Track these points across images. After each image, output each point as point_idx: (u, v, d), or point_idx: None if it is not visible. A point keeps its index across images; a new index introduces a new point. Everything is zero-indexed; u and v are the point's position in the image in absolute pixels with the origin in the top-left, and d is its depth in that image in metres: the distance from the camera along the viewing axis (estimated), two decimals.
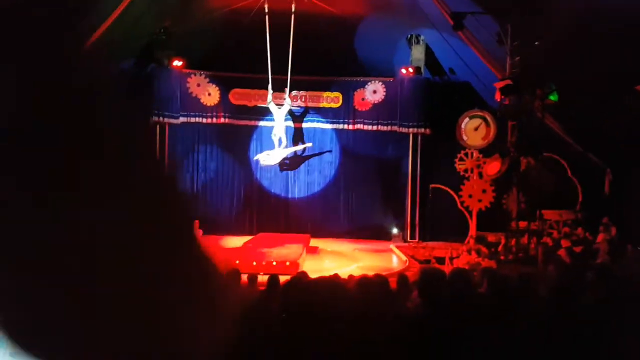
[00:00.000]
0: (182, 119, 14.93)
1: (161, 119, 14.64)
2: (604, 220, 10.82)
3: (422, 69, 14.79)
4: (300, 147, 14.92)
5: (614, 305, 3.14)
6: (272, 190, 15.40)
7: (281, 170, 15.19)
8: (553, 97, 8.68)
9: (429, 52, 14.79)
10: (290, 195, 15.44)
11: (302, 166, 15.41)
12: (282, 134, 14.37)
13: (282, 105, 14.33)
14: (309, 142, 15.18)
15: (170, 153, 15.04)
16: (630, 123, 9.94)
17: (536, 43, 8.37)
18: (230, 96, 15.00)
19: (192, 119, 15.04)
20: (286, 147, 14.55)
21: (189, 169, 15.27)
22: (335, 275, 5.56)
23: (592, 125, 11.15)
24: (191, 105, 14.94)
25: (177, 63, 14.68)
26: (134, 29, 12.89)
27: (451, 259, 11.34)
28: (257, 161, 14.85)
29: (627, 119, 9.87)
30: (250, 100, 15.00)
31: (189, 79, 14.87)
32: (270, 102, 14.21)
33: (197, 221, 13.41)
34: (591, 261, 9.07)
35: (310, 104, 15.15)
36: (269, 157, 14.37)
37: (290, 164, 15.13)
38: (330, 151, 15.40)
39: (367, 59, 14.51)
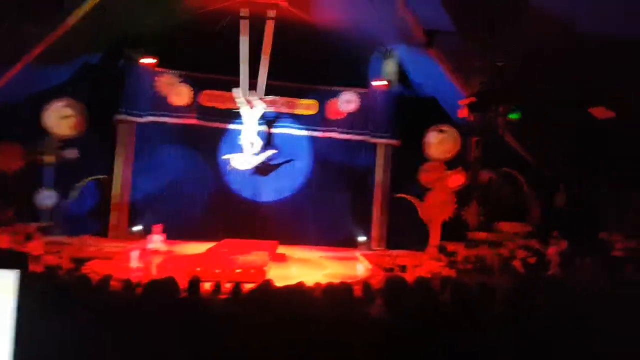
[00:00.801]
0: (149, 118, 14.56)
1: (127, 117, 14.30)
2: (555, 233, 11.34)
3: (394, 83, 15.11)
4: (263, 154, 14.73)
5: (563, 313, 3.34)
6: (241, 196, 15.14)
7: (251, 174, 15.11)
8: (514, 116, 9.06)
9: (400, 66, 15.12)
10: (259, 201, 15.23)
11: (273, 172, 15.31)
12: (254, 138, 14.31)
13: (254, 108, 14.29)
14: (281, 147, 15.16)
15: (136, 152, 14.71)
16: (584, 142, 10.48)
17: (499, 64, 8.73)
18: (201, 97, 14.77)
19: (160, 119, 14.68)
20: (259, 150, 14.48)
21: (153, 170, 14.89)
22: (301, 283, 5.62)
23: (548, 143, 11.69)
24: (160, 105, 14.57)
25: (148, 61, 14.33)
26: (105, 22, 12.56)
27: (414, 267, 11.60)
28: (227, 165, 14.66)
29: (581, 138, 10.39)
30: (222, 102, 14.78)
31: (159, 78, 14.50)
32: (241, 105, 14.13)
33: (160, 225, 13.15)
34: (543, 272, 9.47)
35: (285, 110, 15.10)
36: (239, 161, 14.27)
37: (261, 169, 15.04)
38: (293, 160, 15.34)
39: (342, 68, 14.73)
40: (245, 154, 14.22)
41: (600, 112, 9.39)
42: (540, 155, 12.90)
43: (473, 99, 9.26)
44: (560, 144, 11.34)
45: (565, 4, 7.74)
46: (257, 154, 14.44)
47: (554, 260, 10.00)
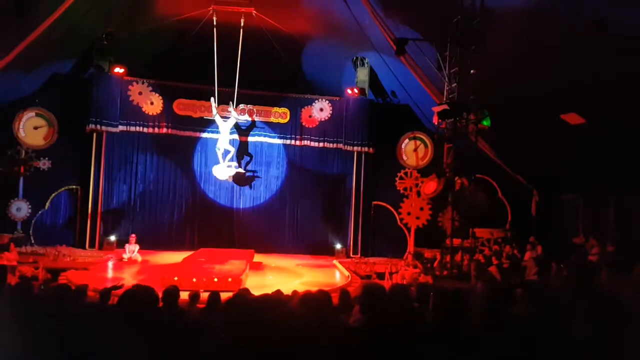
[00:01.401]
0: (121, 128, 14.33)
1: (99, 126, 14.03)
2: (530, 239, 11.50)
3: (367, 91, 15.26)
4: (234, 170, 14.47)
5: (539, 317, 3.39)
6: (216, 205, 15.06)
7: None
8: (486, 123, 9.21)
9: (373, 74, 15.29)
10: (234, 210, 15.15)
11: (248, 180, 15.23)
12: (228, 146, 14.26)
13: (228, 117, 14.25)
14: (256, 155, 15.14)
15: (107, 163, 14.48)
16: (556, 148, 10.71)
17: (472, 71, 8.89)
18: (174, 106, 14.63)
19: (132, 128, 14.47)
20: (232, 157, 14.44)
21: (126, 179, 14.70)
22: (278, 291, 5.58)
23: (521, 149, 11.92)
24: (132, 114, 14.38)
25: (118, 70, 14.18)
26: (74, 31, 12.38)
27: (391, 274, 11.65)
28: (201, 174, 14.69)
29: (553, 145, 10.62)
30: (195, 111, 14.72)
31: (130, 87, 14.35)
32: (215, 114, 14.07)
33: (134, 235, 13.00)
34: (519, 277, 9.58)
35: (258, 118, 15.09)
36: (216, 172, 14.18)
37: (236, 178, 14.88)
38: (258, 175, 15.28)
39: (314, 77, 14.81)
40: (220, 164, 14.13)
41: (572, 119, 9.60)
42: (513, 161, 13.14)
43: (445, 106, 9.37)
44: (532, 150, 11.57)
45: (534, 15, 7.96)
46: (229, 166, 14.31)
47: (529, 266, 10.12)
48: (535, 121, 10.25)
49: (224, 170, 14.17)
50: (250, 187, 15.27)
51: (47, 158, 13.54)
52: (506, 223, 13.92)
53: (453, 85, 9.70)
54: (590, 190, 11.75)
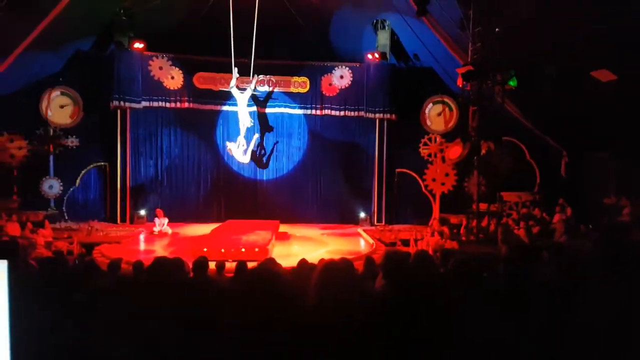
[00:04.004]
0: (144, 104, 14.47)
1: (122, 103, 14.20)
2: (560, 201, 11.27)
3: (388, 55, 14.83)
4: (251, 143, 14.43)
5: (568, 281, 3.32)
6: (240, 177, 15.19)
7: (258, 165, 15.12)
8: (512, 83, 8.92)
9: (394, 37, 14.87)
10: (258, 182, 15.28)
11: (271, 152, 15.27)
12: (248, 119, 14.18)
13: (245, 89, 14.12)
14: (277, 127, 15.13)
15: (133, 139, 14.70)
16: (586, 108, 10.33)
17: (497, 30, 8.55)
18: (194, 80, 14.64)
19: (155, 104, 14.60)
20: (253, 132, 14.43)
21: (152, 155, 14.94)
22: (303, 260, 5.64)
23: (550, 110, 11.54)
24: (154, 89, 14.48)
25: (138, 45, 14.21)
26: (93, 8, 12.40)
27: (416, 240, 11.63)
28: (224, 147, 14.70)
29: (583, 105, 10.24)
30: (216, 84, 14.67)
31: (150, 62, 14.41)
32: (232, 86, 13.95)
33: (160, 210, 13.28)
34: (548, 240, 9.45)
35: (278, 89, 14.96)
36: (235, 154, 14.15)
37: (258, 152, 14.96)
38: (278, 141, 15.22)
39: (334, 43, 14.45)
40: (238, 147, 13.99)
41: (603, 75, 9.20)
42: (541, 122, 12.75)
43: (470, 67, 9.08)
44: (562, 109, 11.19)
45: None
46: (245, 150, 14.19)
47: (558, 228, 9.95)
48: (565, 79, 9.87)
49: (241, 153, 14.08)
50: (273, 159, 15.28)
51: (74, 136, 13.89)
52: (534, 186, 13.64)
53: (477, 45, 9.38)
54: (623, 149, 11.35)
